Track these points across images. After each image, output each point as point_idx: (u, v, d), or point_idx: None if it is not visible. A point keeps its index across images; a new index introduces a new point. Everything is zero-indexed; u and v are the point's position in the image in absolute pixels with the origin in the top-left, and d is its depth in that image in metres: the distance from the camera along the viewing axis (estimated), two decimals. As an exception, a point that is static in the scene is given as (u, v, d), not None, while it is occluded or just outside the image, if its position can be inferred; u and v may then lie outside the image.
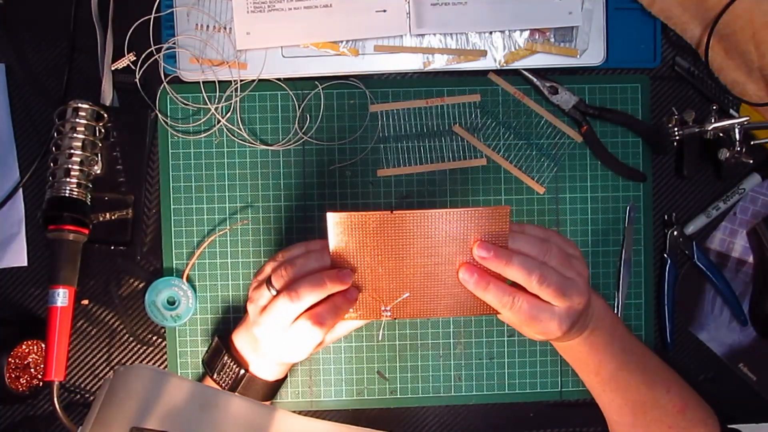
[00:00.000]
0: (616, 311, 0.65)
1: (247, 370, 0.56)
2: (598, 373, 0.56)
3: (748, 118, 0.61)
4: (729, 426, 0.57)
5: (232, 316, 0.64)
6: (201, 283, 0.64)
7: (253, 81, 0.63)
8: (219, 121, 0.63)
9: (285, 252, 0.53)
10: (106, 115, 0.61)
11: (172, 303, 0.63)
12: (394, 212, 0.48)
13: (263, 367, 0.56)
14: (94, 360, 0.64)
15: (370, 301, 0.52)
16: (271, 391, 0.58)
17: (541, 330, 0.50)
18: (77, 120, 0.59)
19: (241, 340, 0.57)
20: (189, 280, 0.63)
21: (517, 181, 0.64)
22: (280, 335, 0.50)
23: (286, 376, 0.60)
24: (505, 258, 0.48)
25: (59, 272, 0.58)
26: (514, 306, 0.49)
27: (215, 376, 0.57)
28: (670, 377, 0.57)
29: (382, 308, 0.52)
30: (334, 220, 0.48)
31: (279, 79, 0.63)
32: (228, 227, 0.64)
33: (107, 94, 0.62)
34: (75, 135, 0.59)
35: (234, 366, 0.56)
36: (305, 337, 0.50)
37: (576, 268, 0.50)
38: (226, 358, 0.56)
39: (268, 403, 0.59)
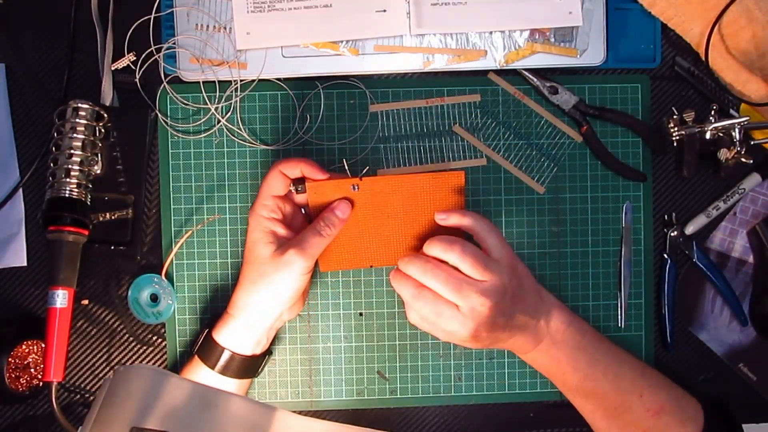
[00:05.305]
0: (619, 311, 0.65)
1: (213, 340, 0.57)
2: (564, 383, 0.58)
3: (748, 118, 0.61)
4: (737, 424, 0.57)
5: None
6: (200, 284, 0.64)
7: (253, 81, 0.63)
8: (219, 121, 0.63)
9: None
10: (106, 115, 0.61)
11: (155, 300, 0.63)
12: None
13: (241, 339, 0.57)
14: (94, 360, 0.64)
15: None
16: (251, 366, 0.59)
17: (446, 328, 0.53)
18: (77, 120, 0.59)
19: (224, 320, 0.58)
20: (167, 277, 0.63)
21: (517, 181, 0.64)
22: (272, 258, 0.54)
23: (263, 355, 0.60)
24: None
25: (59, 273, 0.58)
26: (419, 296, 0.53)
27: (196, 350, 0.58)
28: (645, 382, 0.57)
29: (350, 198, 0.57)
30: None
31: (279, 79, 0.63)
32: (195, 226, 0.63)
33: (107, 94, 0.62)
34: (75, 135, 0.59)
35: (207, 336, 0.58)
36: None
37: (487, 273, 0.52)
38: (205, 331, 0.58)
39: (248, 381, 0.60)
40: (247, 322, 0.57)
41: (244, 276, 0.57)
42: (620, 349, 0.59)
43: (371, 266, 0.61)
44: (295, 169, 0.56)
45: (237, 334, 0.57)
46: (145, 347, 0.64)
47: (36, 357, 0.62)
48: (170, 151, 0.63)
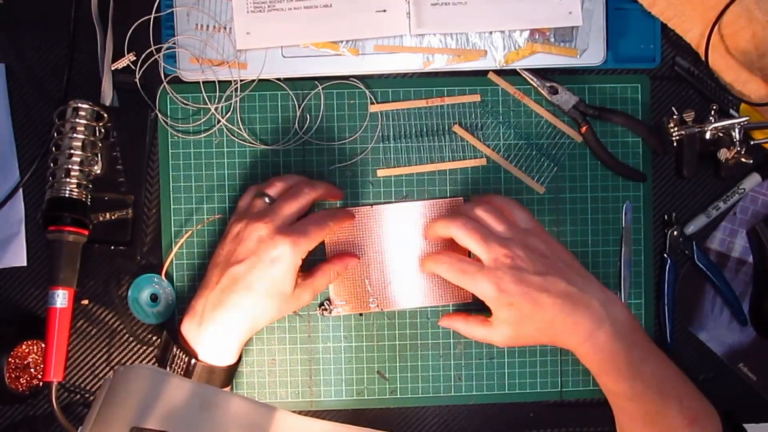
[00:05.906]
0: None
1: (196, 359, 0.55)
2: (617, 381, 0.54)
3: (748, 118, 0.61)
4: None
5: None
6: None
7: (253, 81, 0.63)
8: (219, 121, 0.63)
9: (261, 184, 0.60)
10: (106, 115, 0.61)
11: (155, 300, 0.63)
12: (373, 207, 0.60)
13: (212, 351, 0.55)
14: (94, 360, 0.64)
15: (359, 293, 0.62)
16: (225, 376, 0.57)
17: (471, 285, 0.54)
18: (77, 120, 0.59)
19: (187, 327, 0.56)
20: (167, 277, 0.63)
21: (517, 181, 0.64)
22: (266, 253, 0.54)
23: (238, 362, 0.58)
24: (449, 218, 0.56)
25: (59, 273, 0.58)
26: (445, 261, 0.55)
27: (167, 368, 0.55)
28: (685, 389, 0.55)
29: (369, 300, 0.62)
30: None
31: (279, 79, 0.63)
32: (195, 227, 0.63)
33: (107, 94, 0.62)
34: (75, 135, 0.59)
35: (183, 356, 0.55)
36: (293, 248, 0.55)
37: (510, 232, 0.55)
38: (175, 349, 0.55)
39: (227, 389, 0.59)
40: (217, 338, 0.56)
41: (248, 302, 0.55)
42: (660, 350, 0.57)
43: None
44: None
45: (217, 352, 0.56)
46: (145, 347, 0.64)
47: (36, 357, 0.62)
48: (170, 151, 0.64)
